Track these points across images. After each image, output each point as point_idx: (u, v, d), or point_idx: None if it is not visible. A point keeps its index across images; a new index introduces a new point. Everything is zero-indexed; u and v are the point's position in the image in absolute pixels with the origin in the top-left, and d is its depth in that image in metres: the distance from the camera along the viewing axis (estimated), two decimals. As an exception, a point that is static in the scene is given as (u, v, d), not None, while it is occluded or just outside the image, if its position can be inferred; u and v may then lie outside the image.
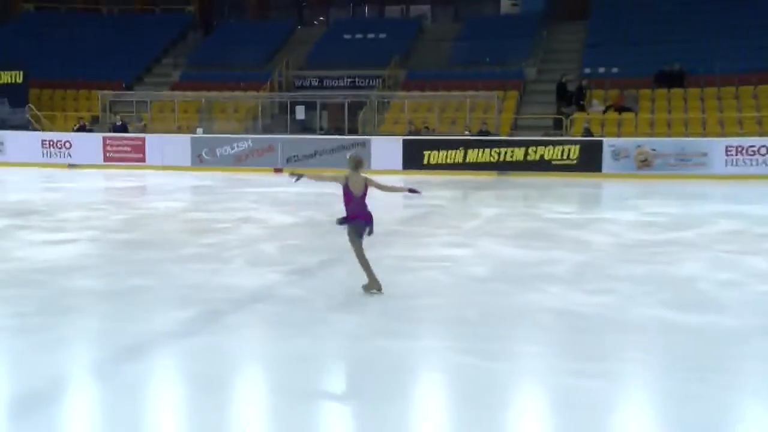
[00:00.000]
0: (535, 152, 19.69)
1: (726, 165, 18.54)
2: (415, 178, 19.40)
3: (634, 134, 20.73)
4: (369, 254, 8.64)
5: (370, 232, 6.89)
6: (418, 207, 14.08)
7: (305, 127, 24.25)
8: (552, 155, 19.57)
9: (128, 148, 22.09)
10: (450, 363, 5.07)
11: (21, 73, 25.15)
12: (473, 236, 10.18)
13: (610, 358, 5.16)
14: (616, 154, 19.16)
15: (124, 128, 23.07)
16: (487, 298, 6.78)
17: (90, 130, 23.42)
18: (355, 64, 26.54)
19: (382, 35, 28.63)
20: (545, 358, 5.16)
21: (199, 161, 21.46)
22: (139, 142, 22.11)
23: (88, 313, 6.36)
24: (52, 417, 4.18)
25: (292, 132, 23.12)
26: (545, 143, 19.91)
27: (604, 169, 19.18)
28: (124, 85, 26.91)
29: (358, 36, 28.78)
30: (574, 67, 25.10)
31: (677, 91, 22.56)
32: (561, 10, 29.12)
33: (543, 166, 19.51)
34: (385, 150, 20.72)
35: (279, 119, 24.81)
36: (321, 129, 24.01)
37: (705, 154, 18.72)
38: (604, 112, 22.12)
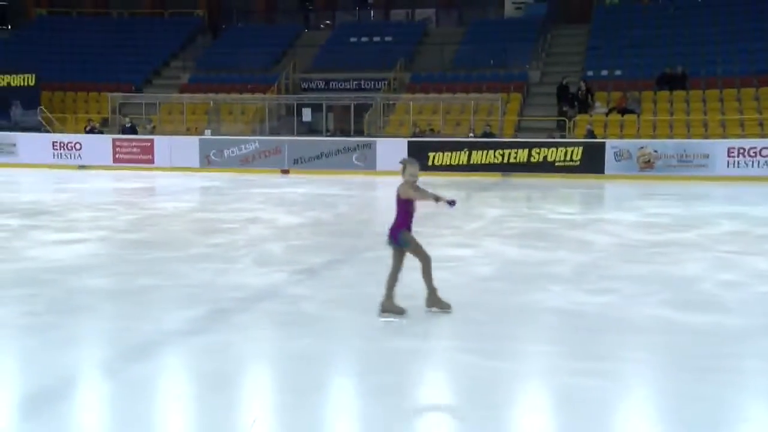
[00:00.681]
0: (539, 154, 19.80)
1: (727, 166, 18.62)
2: (420, 179, 19.48)
3: (637, 136, 20.83)
4: (376, 253, 8.77)
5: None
6: (422, 208, 14.18)
7: (311, 129, 24.42)
8: (555, 157, 19.67)
9: (137, 150, 22.26)
10: (456, 362, 5.17)
11: (33, 76, 25.51)
12: (477, 237, 10.29)
13: (612, 357, 5.25)
14: (619, 156, 19.26)
15: (133, 130, 23.25)
16: (492, 298, 6.88)
17: (100, 132, 23.62)
18: (361, 67, 26.69)
19: (388, 38, 28.79)
20: (548, 357, 5.26)
21: (207, 162, 21.62)
22: (148, 144, 22.28)
23: (97, 312, 6.47)
24: (62, 415, 4.27)
25: (299, 134, 23.29)
26: (548, 145, 20.02)
27: (607, 171, 19.28)
28: (133, 88, 27.15)
29: (364, 39, 28.94)
30: (577, 69, 25.21)
31: (679, 93, 22.64)
32: (564, 13, 29.26)
33: (546, 167, 19.62)
34: (390, 151, 20.81)
35: (286, 121, 24.97)
36: (327, 131, 24.16)
37: (707, 156, 18.81)
38: (607, 114, 22.21)
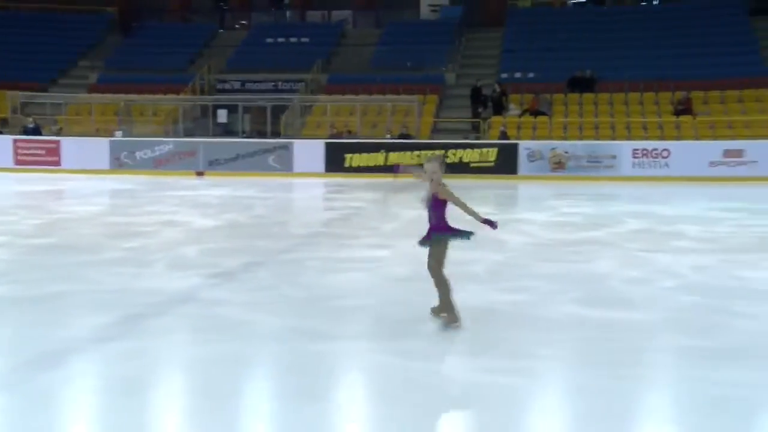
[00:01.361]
0: (455, 155, 20.11)
1: (633, 167, 19.37)
2: (337, 180, 19.51)
3: (549, 137, 21.42)
4: (293, 255, 8.70)
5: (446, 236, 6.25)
6: (339, 209, 14.20)
7: (227, 131, 24.09)
8: (470, 158, 20.02)
9: (42, 151, 21.43)
10: (373, 363, 5.17)
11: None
12: (394, 237, 10.35)
13: (525, 355, 5.36)
14: (532, 157, 19.75)
15: (37, 131, 22.34)
16: (408, 298, 6.92)
17: (-1, 132, 22.64)
18: (278, 68, 26.51)
19: (305, 39, 28.70)
20: (463, 356, 5.33)
21: (118, 165, 21.01)
22: (54, 145, 21.48)
23: (0, 321, 6.20)
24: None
25: (214, 135, 22.92)
26: (464, 146, 20.35)
27: (520, 171, 19.75)
28: (37, 87, 26.08)
29: (280, 40, 28.77)
30: (492, 72, 25.73)
31: (588, 96, 23.43)
32: (479, 17, 29.82)
33: (462, 168, 19.93)
34: (308, 153, 20.79)
35: (201, 123, 24.56)
36: (243, 132, 23.86)
37: (614, 157, 19.51)
38: (520, 115, 22.75)
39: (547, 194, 16.33)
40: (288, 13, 35.23)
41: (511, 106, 23.18)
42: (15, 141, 21.67)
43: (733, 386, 4.64)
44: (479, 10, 30.19)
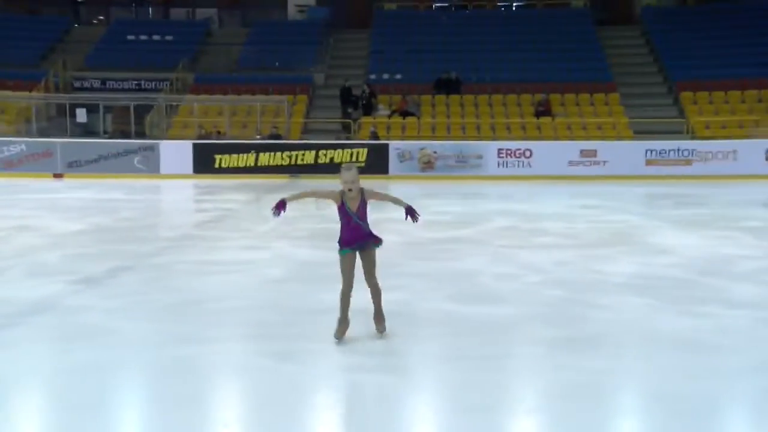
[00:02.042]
0: (326, 155, 20.13)
1: (498, 166, 20.09)
2: (207, 182, 19.07)
3: (418, 137, 21.83)
4: (163, 258, 8.41)
5: (378, 244, 5.60)
6: (211, 211, 13.88)
7: (88, 131, 22.95)
8: (341, 158, 20.09)
9: None
10: (247, 365, 5.10)
11: None
12: (268, 239, 10.24)
13: (400, 352, 5.44)
14: (402, 157, 20.08)
15: None
16: (283, 299, 6.87)
17: None
18: (141, 66, 25.59)
19: (169, 37, 27.86)
20: (337, 355, 5.34)
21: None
22: None
23: None
24: None
25: (73, 136, 21.77)
26: (335, 146, 20.41)
27: (391, 171, 20.03)
28: None
29: (143, 37, 27.76)
30: (360, 72, 25.95)
31: (455, 98, 24.09)
32: (345, 18, 30.00)
33: (333, 168, 19.94)
34: (175, 154, 20.19)
35: (57, 122, 23.24)
36: (105, 132, 22.83)
37: (480, 157, 20.16)
38: (390, 116, 23.08)
39: (417, 194, 16.63)
40: (150, 10, 34.06)
41: (380, 106, 23.47)
42: None
43: (592, 373, 4.90)
44: (346, 12, 30.38)
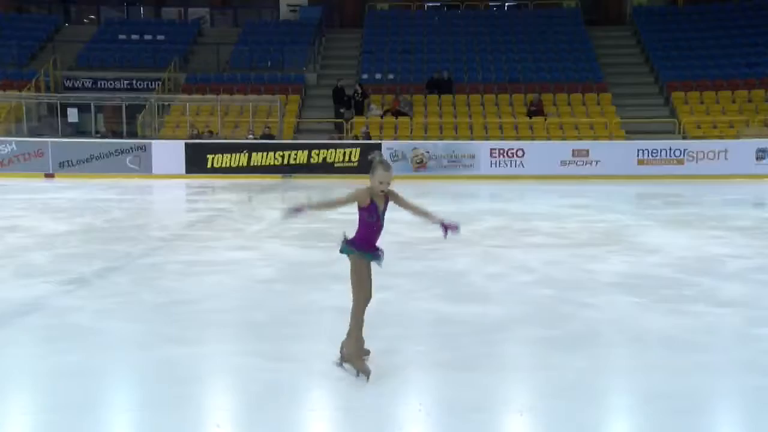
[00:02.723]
0: (318, 155, 20.14)
1: (490, 166, 20.13)
2: (199, 181, 19.04)
3: (410, 137, 21.85)
4: (154, 259, 8.40)
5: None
6: (202, 211, 13.86)
7: (79, 131, 22.88)
8: (334, 158, 20.10)
9: None
10: (237, 366, 5.09)
11: None
12: (259, 239, 10.23)
13: (390, 352, 5.43)
14: (394, 157, 20.09)
15: None
16: (274, 299, 6.86)
17: None
18: (132, 66, 25.55)
19: (160, 37, 27.80)
20: (331, 356, 5.33)
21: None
22: None
23: None
24: None
25: (64, 135, 21.70)
26: (327, 146, 20.40)
27: (384, 171, 20.00)
28: None
29: (134, 37, 27.69)
30: (353, 72, 25.97)
31: (447, 97, 24.12)
32: (337, 18, 30.02)
33: (326, 168, 19.99)
34: (167, 154, 20.17)
35: (48, 122, 23.16)
36: (97, 132, 22.76)
37: (473, 156, 20.18)
38: (382, 116, 23.08)
39: (409, 193, 16.50)
40: (141, 9, 33.98)
41: (373, 106, 23.48)
42: None
43: (582, 372, 4.92)
44: (338, 11, 30.39)
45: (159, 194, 17.71)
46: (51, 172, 19.78)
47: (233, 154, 20.08)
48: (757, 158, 19.93)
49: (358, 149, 20.17)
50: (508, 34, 27.61)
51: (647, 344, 5.56)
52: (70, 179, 19.21)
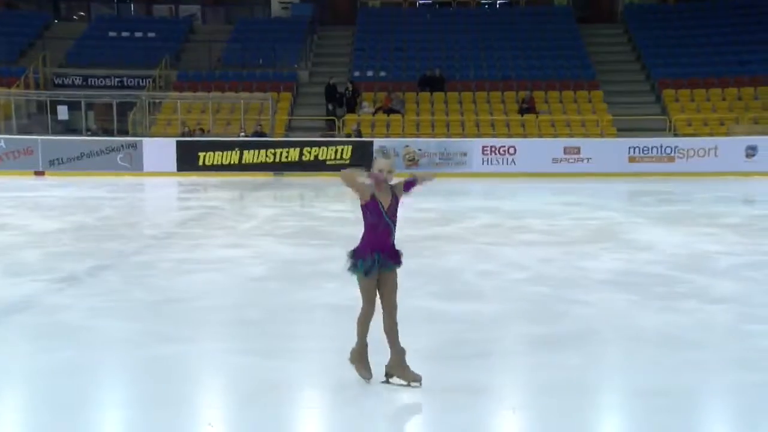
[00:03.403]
0: (310, 153, 20.09)
1: (483, 163, 20.13)
2: (191, 179, 18.98)
3: (402, 135, 21.83)
4: (145, 257, 8.36)
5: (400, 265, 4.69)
6: (194, 209, 13.82)
7: (69, 128, 22.74)
8: (326, 155, 20.07)
9: None
10: (230, 364, 5.07)
11: None
12: (251, 236, 10.20)
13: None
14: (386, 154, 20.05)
15: None
16: (266, 297, 6.85)
17: None
18: (123, 64, 25.42)
19: (151, 34, 27.66)
20: (324, 353, 5.32)
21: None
22: None
23: None
24: None
25: (54, 133, 21.57)
26: (319, 144, 20.37)
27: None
28: None
29: (125, 34, 27.55)
30: (345, 70, 25.92)
31: (439, 95, 24.11)
32: (330, 15, 29.95)
33: (318, 166, 19.95)
34: (158, 151, 20.09)
35: (38, 119, 23.01)
36: (88, 130, 22.64)
37: (465, 154, 20.18)
38: (374, 114, 23.06)
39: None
40: (132, 6, 33.84)
41: (365, 104, 23.46)
42: None
43: (575, 369, 4.92)
44: (330, 9, 30.33)
45: (150, 192, 17.65)
46: (41, 169, 19.67)
47: (225, 152, 20.01)
48: (747, 155, 20.01)
49: (350, 147, 20.14)
50: (500, 31, 27.61)
51: (640, 341, 5.57)
52: (60, 177, 19.11)
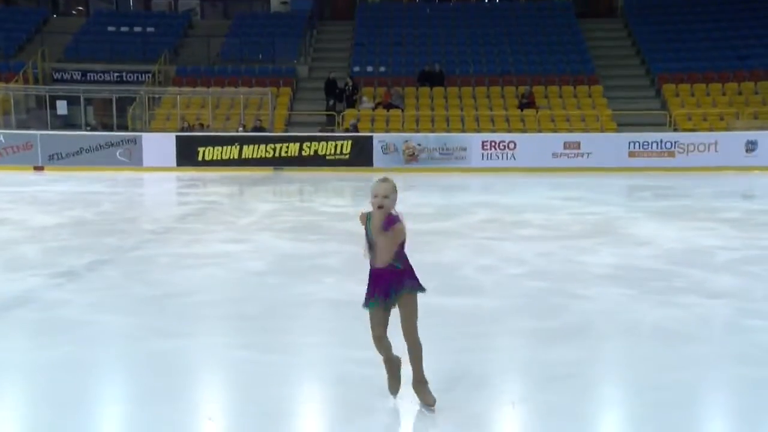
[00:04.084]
0: (310, 148, 20.08)
1: (482, 158, 20.12)
2: (190, 174, 18.97)
3: (402, 130, 21.82)
4: (144, 252, 8.36)
5: (416, 289, 4.38)
6: (194, 204, 13.82)
7: (68, 123, 22.72)
8: (326, 150, 20.06)
9: None
10: (229, 359, 5.07)
11: None
12: (250, 231, 10.20)
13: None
14: (386, 149, 20.06)
15: None
16: (265, 292, 6.85)
17: None
18: (122, 58, 25.39)
19: (150, 29, 27.63)
20: (324, 347, 5.33)
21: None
22: None
23: None
24: None
25: (53, 128, 21.55)
26: (318, 139, 20.36)
27: (375, 164, 20.01)
28: None
29: (124, 29, 27.51)
30: (344, 65, 25.89)
31: (438, 90, 24.08)
32: (329, 9, 29.91)
33: (317, 161, 19.95)
34: (158, 147, 20.09)
35: (37, 114, 22.98)
36: (87, 125, 22.62)
37: (464, 149, 20.17)
38: (374, 109, 23.04)
39: (400, 186, 16.53)
40: (131, 1, 33.79)
41: (364, 99, 23.44)
42: None
43: (573, 364, 4.92)
44: (329, 4, 30.29)
45: (150, 187, 17.64)
46: (40, 164, 19.67)
47: (224, 147, 20.01)
48: (746, 150, 20.00)
49: (350, 142, 20.13)
50: (500, 26, 27.61)
51: (639, 336, 5.58)
52: (59, 172, 19.10)
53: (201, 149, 19.92)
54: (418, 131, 21.76)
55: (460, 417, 4.09)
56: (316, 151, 20.07)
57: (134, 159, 19.89)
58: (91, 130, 21.85)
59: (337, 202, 14.10)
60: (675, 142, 20.15)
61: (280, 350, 5.21)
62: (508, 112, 22.99)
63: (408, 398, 4.33)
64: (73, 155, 19.83)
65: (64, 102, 22.76)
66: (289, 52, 26.32)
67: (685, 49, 25.63)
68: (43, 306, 6.32)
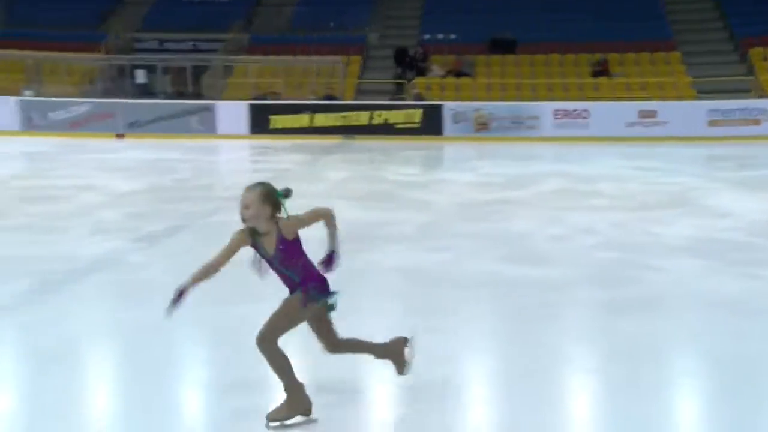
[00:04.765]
0: (380, 116, 20.08)
1: (554, 127, 19.76)
2: (262, 142, 19.27)
3: (472, 98, 21.57)
4: (215, 218, 8.56)
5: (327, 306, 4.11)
6: (265, 171, 14.04)
7: (147, 92, 23.30)
8: (396, 119, 20.04)
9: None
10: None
11: None
12: (321, 199, 10.29)
13: (450, 311, 5.46)
14: (456, 118, 19.91)
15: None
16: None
17: None
18: (196, 28, 25.78)
19: (223, -2, 27.95)
20: (391, 314, 5.40)
21: (29, 125, 20.13)
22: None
23: None
24: None
25: (133, 96, 22.15)
26: (389, 107, 20.34)
27: (445, 132, 19.89)
28: None
29: (198, -1, 27.91)
30: (414, 33, 25.69)
31: (510, 58, 23.69)
32: (401, -24, 29.57)
33: (387, 129, 19.94)
34: (231, 115, 20.42)
35: (119, 83, 23.64)
36: (164, 93, 23.16)
37: (537, 117, 19.84)
38: (444, 77, 22.85)
39: (471, 155, 16.54)
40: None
41: (434, 67, 23.25)
42: None
43: (647, 335, 4.86)
44: (401, -30, 29.97)
45: (223, 154, 18.00)
46: (122, 132, 20.28)
47: (295, 115, 20.21)
48: (838, 118, 19.05)
49: (420, 110, 20.05)
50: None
51: (715, 308, 5.46)
52: (138, 139, 19.66)
53: (273, 117, 20.17)
54: (489, 100, 21.49)
55: (530, 386, 4.09)
56: (386, 120, 20.08)
57: (209, 127, 20.29)
58: (167, 98, 22.37)
59: (407, 170, 14.10)
60: (763, 110, 19.33)
61: (351, 315, 5.28)
62: (581, 80, 22.46)
63: (473, 367, 4.36)
64: (151, 123, 20.36)
65: (143, 71, 23.34)
66: (361, 20, 26.27)
67: (774, 10, 24.41)
68: (125, 269, 6.59)
